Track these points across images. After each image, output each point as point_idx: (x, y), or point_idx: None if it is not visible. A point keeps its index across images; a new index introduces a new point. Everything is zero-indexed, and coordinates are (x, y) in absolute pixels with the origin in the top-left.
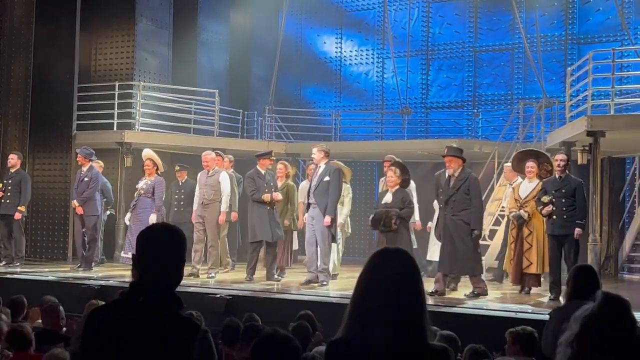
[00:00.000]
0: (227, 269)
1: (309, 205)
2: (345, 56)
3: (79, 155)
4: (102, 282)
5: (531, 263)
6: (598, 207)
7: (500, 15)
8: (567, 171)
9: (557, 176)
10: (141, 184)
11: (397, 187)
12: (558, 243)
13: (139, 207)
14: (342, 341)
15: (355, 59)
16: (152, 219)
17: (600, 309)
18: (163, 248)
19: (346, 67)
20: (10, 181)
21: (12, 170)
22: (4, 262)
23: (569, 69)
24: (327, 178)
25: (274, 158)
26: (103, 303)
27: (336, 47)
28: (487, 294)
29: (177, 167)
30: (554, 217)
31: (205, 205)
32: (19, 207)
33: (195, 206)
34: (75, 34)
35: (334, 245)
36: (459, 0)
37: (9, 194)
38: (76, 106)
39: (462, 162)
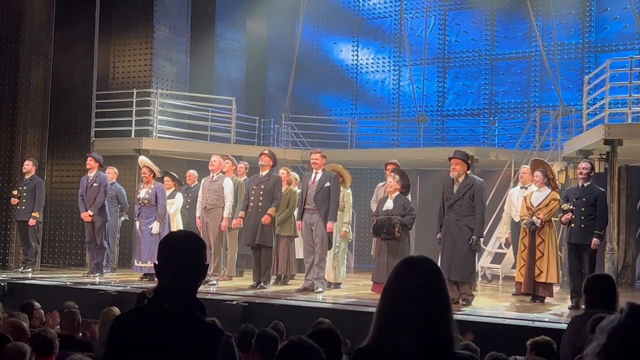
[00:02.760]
0: (228, 277)
1: (303, 210)
2: (361, 64)
3: (90, 158)
4: (119, 288)
5: (542, 271)
6: (615, 216)
7: (517, 23)
8: (590, 180)
9: (579, 184)
10: (142, 193)
11: (397, 193)
12: (576, 251)
13: (143, 216)
14: (369, 349)
15: (372, 66)
16: (156, 227)
17: (627, 320)
18: (183, 255)
19: (362, 74)
20: (25, 187)
21: (27, 177)
22: (22, 267)
23: (586, 77)
24: (327, 184)
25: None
26: (117, 309)
27: (352, 55)
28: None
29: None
30: (572, 225)
31: (207, 210)
32: (32, 214)
33: (197, 212)
34: (93, 41)
35: (334, 253)
36: (475, 8)
37: (24, 200)
38: (94, 113)
39: (467, 167)
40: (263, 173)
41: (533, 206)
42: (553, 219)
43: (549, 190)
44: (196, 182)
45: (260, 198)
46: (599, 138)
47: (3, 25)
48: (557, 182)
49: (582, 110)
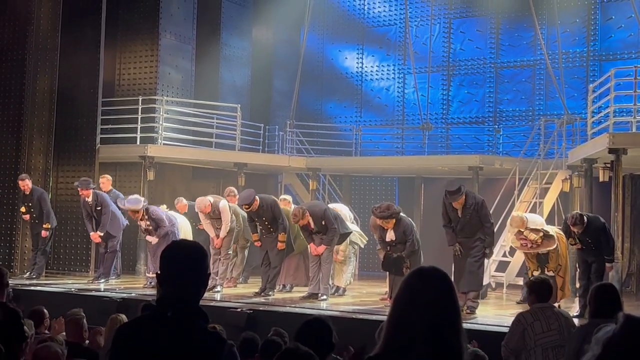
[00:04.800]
0: (234, 284)
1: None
2: (366, 71)
3: (80, 190)
4: (124, 295)
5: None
6: (620, 225)
7: (522, 32)
8: (584, 223)
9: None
10: (143, 226)
11: (394, 224)
12: (586, 261)
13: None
14: (379, 357)
15: (377, 74)
16: (154, 239)
17: (622, 331)
18: (185, 264)
19: (367, 82)
20: (30, 203)
21: (27, 193)
22: (27, 274)
23: (590, 85)
24: (324, 222)
25: (248, 209)
26: (124, 316)
27: (357, 63)
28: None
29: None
30: (584, 247)
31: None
32: (44, 225)
33: (212, 234)
34: (99, 48)
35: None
36: (480, 16)
37: (35, 215)
38: (100, 120)
39: (464, 196)
40: (256, 209)
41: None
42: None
43: (546, 249)
44: (186, 211)
45: (268, 225)
46: (604, 147)
47: (9, 32)
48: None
49: (587, 119)
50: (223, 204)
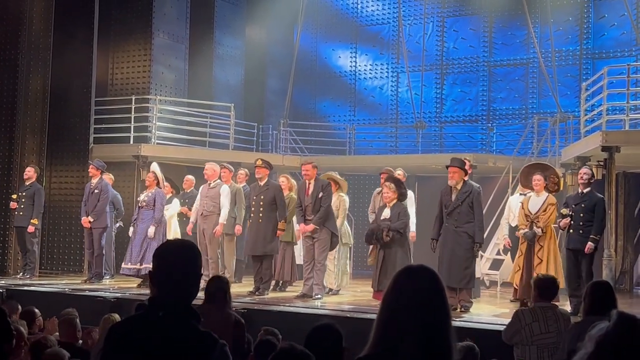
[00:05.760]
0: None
1: (304, 220)
2: (359, 70)
3: (91, 166)
4: (118, 295)
5: None
6: (613, 222)
7: (515, 30)
8: (590, 186)
9: (579, 191)
10: (142, 197)
11: (395, 201)
12: (574, 257)
13: (140, 219)
14: (369, 358)
15: (370, 73)
16: (151, 231)
17: (615, 328)
18: (178, 264)
19: (361, 81)
20: (24, 193)
21: (28, 183)
22: (21, 274)
23: (583, 83)
24: (320, 194)
25: (259, 165)
26: (117, 316)
27: (351, 62)
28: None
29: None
30: (571, 230)
31: (204, 217)
32: (31, 220)
33: (192, 217)
34: (92, 48)
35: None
36: (473, 15)
37: (22, 206)
38: (93, 119)
39: (465, 174)
40: (261, 183)
41: (531, 213)
42: (552, 225)
43: (546, 194)
44: (192, 188)
45: (261, 209)
46: (597, 145)
47: (2, 31)
48: (560, 185)
49: (580, 117)
50: (224, 187)
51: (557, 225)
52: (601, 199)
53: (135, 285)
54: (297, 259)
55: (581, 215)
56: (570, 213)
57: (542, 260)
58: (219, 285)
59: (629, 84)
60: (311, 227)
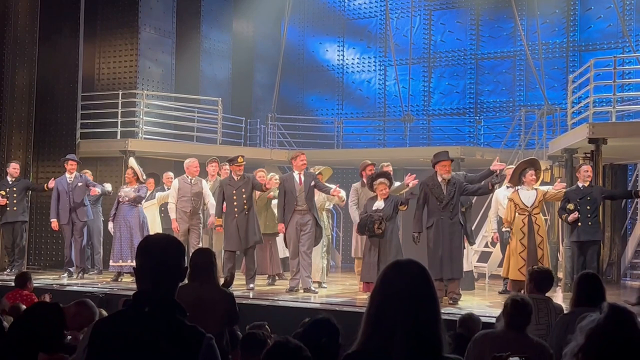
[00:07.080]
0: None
1: (293, 212)
2: (347, 64)
3: (71, 161)
4: (106, 290)
5: None
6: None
7: (502, 23)
8: (591, 182)
9: (580, 185)
10: (123, 192)
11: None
12: (583, 249)
13: (120, 214)
14: (358, 355)
15: (357, 66)
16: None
17: (606, 320)
18: (163, 258)
19: (348, 74)
20: (14, 189)
21: (13, 179)
22: (7, 270)
23: (570, 76)
24: (312, 183)
25: (243, 163)
26: (104, 312)
27: (338, 55)
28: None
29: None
30: (579, 224)
31: (191, 214)
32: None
33: (172, 215)
34: (78, 43)
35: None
36: (460, 7)
37: (14, 201)
38: (80, 115)
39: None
40: (237, 178)
41: (527, 207)
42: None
43: (535, 188)
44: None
45: (244, 202)
46: (584, 137)
47: None
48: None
49: (567, 109)
50: (203, 181)
51: (562, 219)
52: (598, 185)
53: (123, 281)
54: (280, 252)
55: (587, 207)
56: (577, 207)
57: (543, 253)
58: (204, 259)
59: (615, 76)
60: (337, 190)
